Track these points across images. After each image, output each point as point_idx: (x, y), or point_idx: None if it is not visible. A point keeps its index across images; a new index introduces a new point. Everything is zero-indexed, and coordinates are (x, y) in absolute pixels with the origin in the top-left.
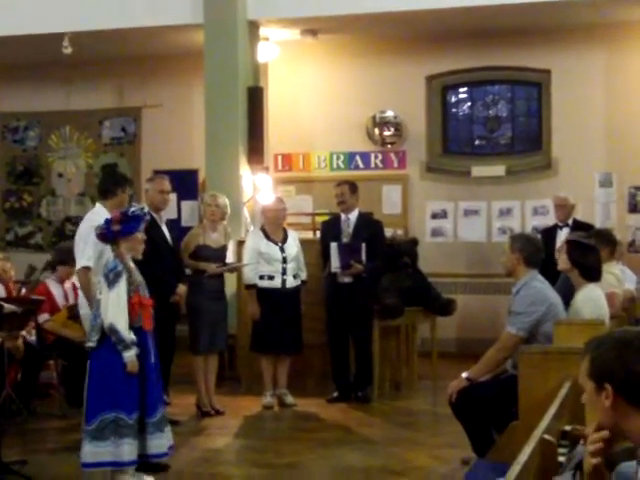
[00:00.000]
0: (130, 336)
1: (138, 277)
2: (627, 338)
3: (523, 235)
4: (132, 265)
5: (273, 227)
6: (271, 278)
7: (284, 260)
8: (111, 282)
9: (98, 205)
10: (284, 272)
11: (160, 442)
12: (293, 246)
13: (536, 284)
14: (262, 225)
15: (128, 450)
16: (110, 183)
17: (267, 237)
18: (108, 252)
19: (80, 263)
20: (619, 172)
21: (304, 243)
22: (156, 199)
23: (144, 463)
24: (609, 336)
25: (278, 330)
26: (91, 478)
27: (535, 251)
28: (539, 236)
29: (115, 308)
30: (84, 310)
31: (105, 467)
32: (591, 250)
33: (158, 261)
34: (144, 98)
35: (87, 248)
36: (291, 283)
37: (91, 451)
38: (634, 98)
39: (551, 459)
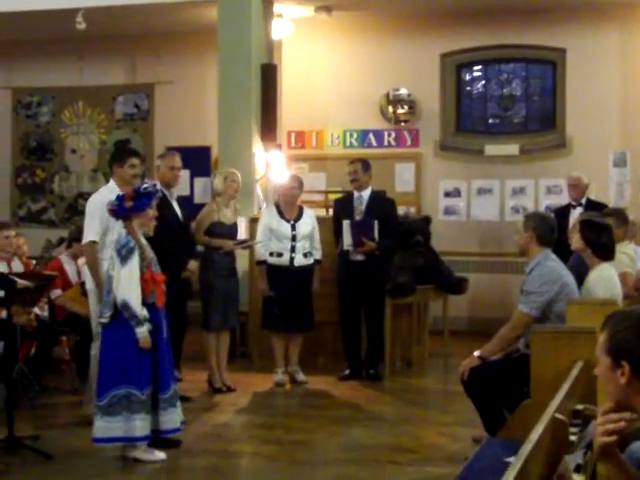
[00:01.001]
0: (143, 312)
1: (150, 253)
2: None
3: (537, 214)
4: (144, 241)
5: (287, 205)
6: (280, 255)
7: (293, 238)
8: (124, 258)
9: (111, 181)
10: (293, 250)
11: (172, 418)
12: (307, 224)
13: (549, 263)
14: (277, 202)
15: (140, 426)
16: (108, 161)
17: (280, 214)
18: (115, 228)
19: (87, 237)
20: (633, 151)
21: (316, 221)
22: (167, 176)
23: (156, 438)
24: (631, 313)
25: (287, 308)
26: (103, 453)
27: (548, 230)
28: (552, 215)
29: (128, 284)
30: (90, 285)
31: (117, 442)
32: (604, 229)
33: (169, 237)
34: (157, 74)
35: (94, 223)
36: (300, 261)
37: (102, 426)
38: None
39: (563, 438)
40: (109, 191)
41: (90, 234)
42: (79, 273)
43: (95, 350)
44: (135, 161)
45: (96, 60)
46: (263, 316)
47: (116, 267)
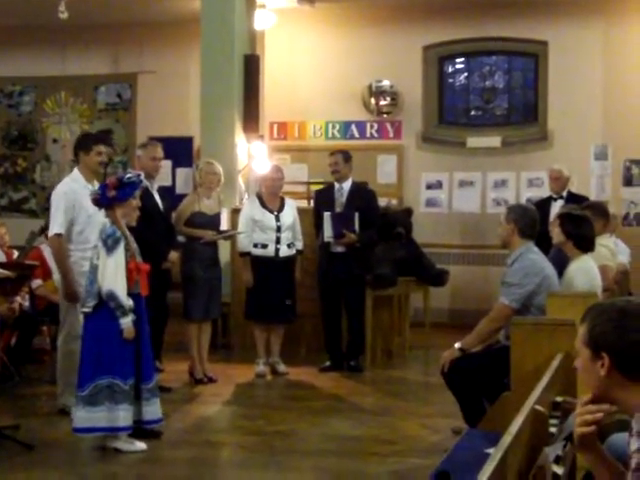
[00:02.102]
0: (129, 302)
1: (133, 243)
2: (629, 309)
3: (519, 206)
4: (127, 231)
5: (270, 195)
6: (264, 246)
7: (278, 229)
8: (109, 248)
9: (75, 170)
10: (278, 241)
11: (155, 408)
12: (289, 215)
13: (531, 256)
14: (259, 193)
15: (124, 416)
16: (73, 149)
17: (263, 205)
18: (80, 220)
19: (52, 230)
20: (615, 145)
21: (298, 212)
22: (148, 166)
23: (136, 429)
24: (611, 305)
25: (271, 299)
26: (83, 443)
27: (530, 222)
28: (534, 207)
29: (114, 274)
30: (57, 275)
31: (99, 432)
32: (583, 220)
33: (150, 228)
34: (140, 64)
35: (58, 214)
36: (285, 252)
37: (84, 416)
38: (631, 70)
39: (542, 430)
40: (72, 180)
41: (55, 226)
42: None
43: (61, 341)
44: (102, 148)
45: (78, 50)
46: (246, 306)
47: (101, 257)
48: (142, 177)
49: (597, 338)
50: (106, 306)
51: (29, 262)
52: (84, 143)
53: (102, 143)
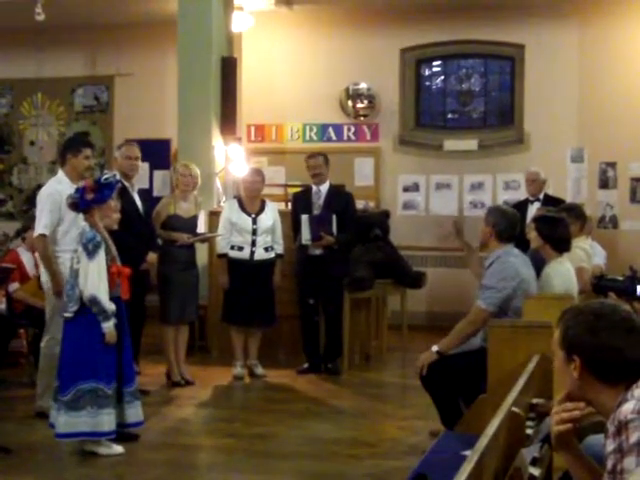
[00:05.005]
0: (111, 306)
1: (112, 246)
2: (602, 311)
3: (499, 209)
4: (106, 234)
5: (249, 198)
6: (240, 249)
7: (254, 232)
8: (91, 252)
9: (60, 172)
10: (253, 244)
11: (137, 411)
12: (268, 218)
13: (509, 259)
14: (238, 195)
15: (108, 420)
16: (61, 150)
17: (242, 208)
18: (66, 221)
19: (37, 231)
20: (591, 148)
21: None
22: (124, 166)
23: (116, 432)
24: (585, 307)
25: (247, 302)
26: (61, 446)
27: (508, 226)
28: (514, 210)
29: (96, 279)
30: (44, 278)
31: (82, 437)
32: (559, 221)
33: (129, 230)
34: (117, 66)
35: (43, 216)
36: (260, 255)
37: (66, 421)
38: (607, 74)
39: (519, 432)
40: (57, 182)
41: (39, 228)
42: (36, 265)
43: (45, 344)
44: (89, 152)
45: (55, 51)
46: (224, 309)
47: (82, 261)
48: (118, 177)
49: (570, 340)
50: (87, 310)
51: (6, 265)
52: (74, 145)
53: (90, 147)
